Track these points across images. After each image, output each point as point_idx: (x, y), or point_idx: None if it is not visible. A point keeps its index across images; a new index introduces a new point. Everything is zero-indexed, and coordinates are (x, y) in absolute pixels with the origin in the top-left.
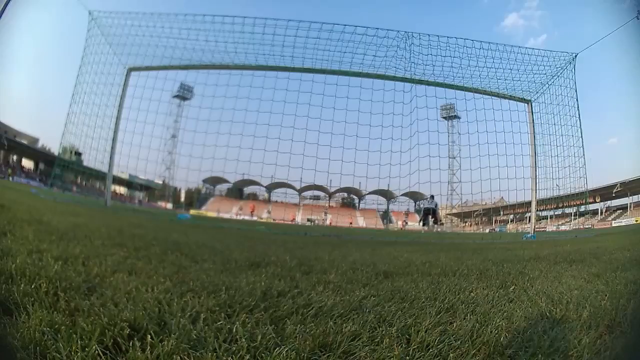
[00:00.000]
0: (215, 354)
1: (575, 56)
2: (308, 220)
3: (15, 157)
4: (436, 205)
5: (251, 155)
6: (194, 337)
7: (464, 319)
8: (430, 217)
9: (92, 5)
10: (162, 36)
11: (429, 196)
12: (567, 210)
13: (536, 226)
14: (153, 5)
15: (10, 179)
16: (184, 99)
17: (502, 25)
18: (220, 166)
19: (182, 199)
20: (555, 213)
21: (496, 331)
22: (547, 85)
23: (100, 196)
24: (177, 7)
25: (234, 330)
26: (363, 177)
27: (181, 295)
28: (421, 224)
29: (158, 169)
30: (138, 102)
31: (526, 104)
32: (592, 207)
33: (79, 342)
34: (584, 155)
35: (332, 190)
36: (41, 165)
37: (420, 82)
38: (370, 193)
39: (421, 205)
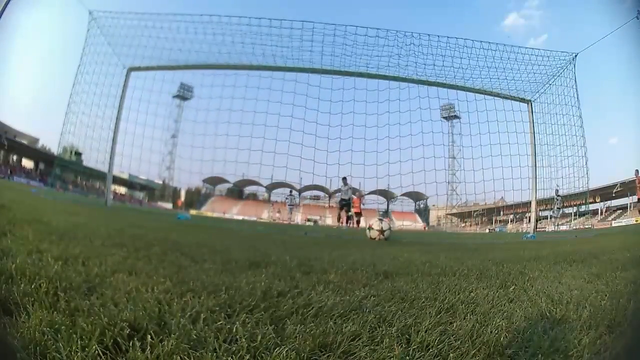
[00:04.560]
0: (215, 354)
1: (576, 56)
2: (308, 220)
3: (15, 157)
4: (353, 192)
5: (250, 155)
6: (194, 337)
7: (464, 319)
8: (346, 212)
9: (92, 5)
10: (162, 36)
11: (341, 179)
12: (567, 210)
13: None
14: (153, 5)
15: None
16: (184, 98)
17: (502, 25)
18: (220, 166)
19: (182, 199)
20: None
21: (496, 331)
22: (547, 85)
23: (101, 196)
24: (177, 7)
25: (234, 330)
26: (362, 177)
27: (181, 295)
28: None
29: (158, 169)
30: (138, 102)
31: (526, 104)
32: (592, 207)
33: (79, 342)
34: (585, 155)
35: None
36: (41, 165)
37: (420, 82)
38: (370, 193)
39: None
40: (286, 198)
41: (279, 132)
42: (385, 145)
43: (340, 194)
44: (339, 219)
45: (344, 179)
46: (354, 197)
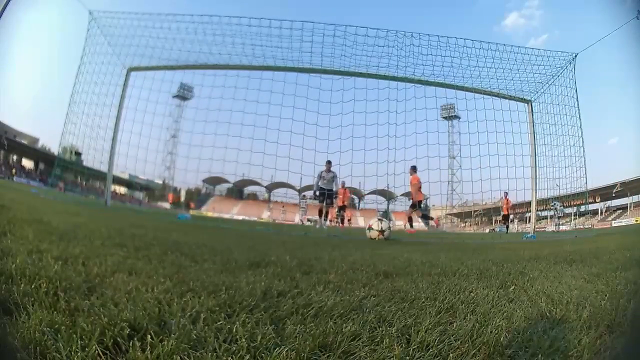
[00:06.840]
0: (215, 354)
1: (576, 56)
2: (308, 220)
3: (15, 157)
4: (334, 178)
5: (251, 156)
6: (194, 337)
7: (464, 319)
8: (325, 206)
9: (92, 5)
10: (162, 36)
11: (325, 163)
12: (567, 210)
13: (536, 226)
14: (153, 5)
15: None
16: (184, 98)
17: (502, 25)
18: (220, 166)
19: (182, 199)
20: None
21: (496, 331)
22: (547, 85)
23: (101, 196)
24: (178, 7)
25: (234, 330)
26: (362, 176)
27: (181, 295)
28: (320, 217)
29: (158, 169)
30: (138, 102)
31: (526, 104)
32: (592, 207)
33: (79, 342)
34: (584, 155)
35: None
36: (41, 165)
37: (420, 82)
38: (370, 193)
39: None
40: (300, 201)
41: (279, 132)
42: (386, 144)
43: (320, 181)
44: (320, 214)
45: (329, 162)
46: (340, 187)
